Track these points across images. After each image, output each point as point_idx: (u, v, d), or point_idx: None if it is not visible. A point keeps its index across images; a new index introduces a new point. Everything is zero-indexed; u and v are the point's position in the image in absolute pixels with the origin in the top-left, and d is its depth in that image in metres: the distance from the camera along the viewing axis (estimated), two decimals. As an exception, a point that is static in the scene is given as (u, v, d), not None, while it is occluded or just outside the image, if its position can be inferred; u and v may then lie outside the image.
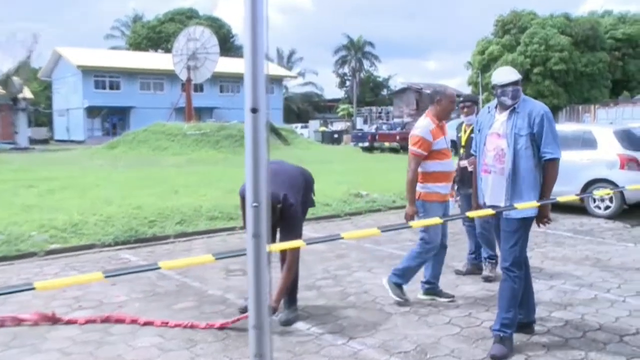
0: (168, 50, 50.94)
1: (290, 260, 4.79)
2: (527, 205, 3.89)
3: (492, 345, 4.27)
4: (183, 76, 34.82)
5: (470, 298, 5.65)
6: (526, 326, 4.59)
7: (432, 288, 5.56)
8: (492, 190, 4.35)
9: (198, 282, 6.23)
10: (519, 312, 4.41)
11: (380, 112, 68.43)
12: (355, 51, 74.85)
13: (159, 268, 2.32)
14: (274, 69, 64.40)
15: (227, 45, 65.75)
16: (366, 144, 33.76)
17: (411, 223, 4.22)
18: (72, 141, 47.72)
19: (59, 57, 52.87)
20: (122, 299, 5.66)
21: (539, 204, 3.86)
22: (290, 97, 73.90)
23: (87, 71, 49.30)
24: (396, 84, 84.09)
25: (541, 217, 4.24)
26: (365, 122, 64.18)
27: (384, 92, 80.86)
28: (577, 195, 4.71)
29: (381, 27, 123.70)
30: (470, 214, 4.29)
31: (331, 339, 4.54)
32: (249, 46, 1.71)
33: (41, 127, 53.87)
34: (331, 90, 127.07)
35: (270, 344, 1.83)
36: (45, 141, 47.07)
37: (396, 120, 52.05)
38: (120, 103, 50.81)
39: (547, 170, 4.13)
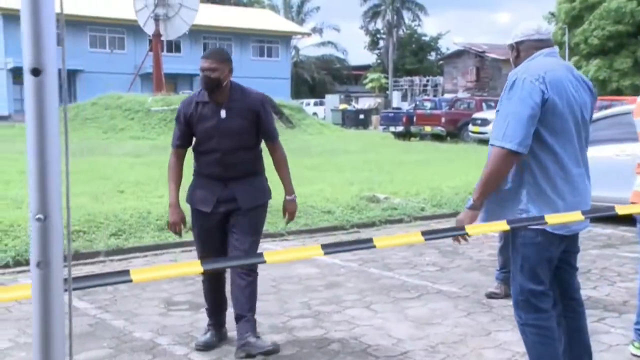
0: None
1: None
2: (560, 219, 3.64)
3: None
4: (149, 30, 34.71)
5: (506, 350, 5.40)
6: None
7: None
8: None
9: (122, 320, 6.10)
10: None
11: (426, 85, 68.24)
12: (393, -1, 74.87)
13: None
14: (280, 23, 64.48)
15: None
16: (400, 128, 33.81)
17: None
18: (-9, 116, 47.07)
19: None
20: (3, 346, 5.48)
21: (579, 216, 3.58)
22: (301, 63, 74.01)
23: (11, 16, 46.32)
24: (449, 45, 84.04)
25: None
26: (404, 97, 64.06)
27: (432, 56, 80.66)
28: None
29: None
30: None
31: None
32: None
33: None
34: (358, 53, 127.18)
35: None
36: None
37: (447, 95, 51.84)
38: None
39: None
